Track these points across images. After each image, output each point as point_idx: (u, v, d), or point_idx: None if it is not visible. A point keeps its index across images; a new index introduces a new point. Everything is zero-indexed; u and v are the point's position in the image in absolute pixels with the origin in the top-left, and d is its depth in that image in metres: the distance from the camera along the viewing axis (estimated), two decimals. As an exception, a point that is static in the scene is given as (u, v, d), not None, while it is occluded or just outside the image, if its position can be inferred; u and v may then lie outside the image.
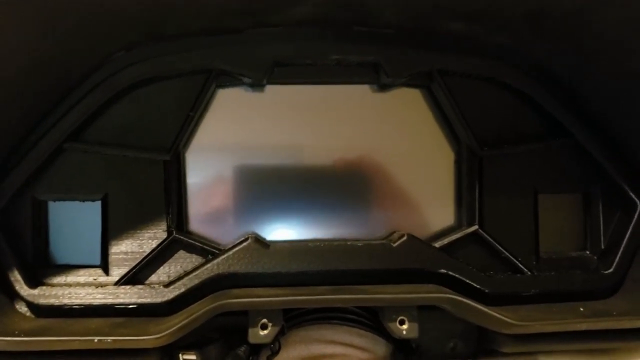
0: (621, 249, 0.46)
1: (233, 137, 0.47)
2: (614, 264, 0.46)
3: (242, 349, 0.43)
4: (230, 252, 0.43)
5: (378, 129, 0.48)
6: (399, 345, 0.46)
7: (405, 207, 0.48)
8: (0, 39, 0.32)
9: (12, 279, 0.42)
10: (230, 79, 0.45)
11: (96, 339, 0.38)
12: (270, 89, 0.47)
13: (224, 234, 0.46)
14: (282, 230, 0.47)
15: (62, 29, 0.36)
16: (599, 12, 0.37)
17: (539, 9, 0.39)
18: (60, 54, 0.38)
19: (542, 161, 0.47)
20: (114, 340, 0.38)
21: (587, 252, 0.47)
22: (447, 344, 0.47)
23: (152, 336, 0.38)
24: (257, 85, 0.46)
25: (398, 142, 0.48)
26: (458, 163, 0.48)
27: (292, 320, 0.45)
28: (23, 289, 0.42)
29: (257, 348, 0.44)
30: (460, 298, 0.41)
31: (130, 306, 0.43)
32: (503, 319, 0.41)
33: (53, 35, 0.36)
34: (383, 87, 0.47)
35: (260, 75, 0.44)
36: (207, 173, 0.47)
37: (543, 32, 0.41)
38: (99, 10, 0.35)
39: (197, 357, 0.42)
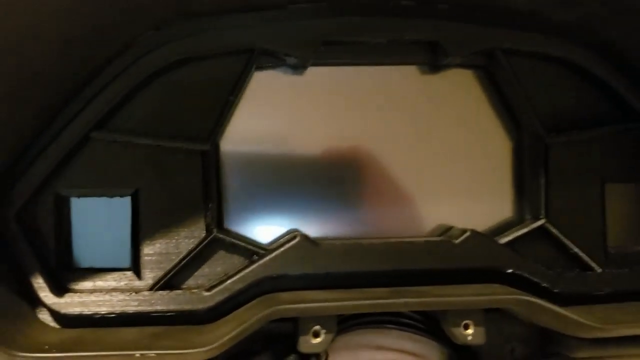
0: None
1: (272, 124, 0.44)
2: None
3: (291, 358, 0.39)
4: (279, 252, 0.40)
5: (428, 114, 0.45)
6: (457, 351, 0.43)
7: (458, 199, 0.45)
8: (17, 18, 0.27)
9: (36, 285, 0.38)
10: (272, 60, 0.41)
11: (137, 353, 0.34)
12: (312, 70, 0.43)
13: (266, 231, 0.42)
14: (327, 227, 0.43)
15: (86, 5, 0.32)
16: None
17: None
18: (84, 34, 0.33)
19: (611, 148, 0.44)
20: (157, 354, 0.34)
21: None
22: (506, 347, 0.44)
23: (201, 349, 0.34)
24: (301, 66, 0.41)
25: (450, 128, 0.45)
26: (518, 150, 0.44)
27: (344, 324, 0.41)
28: (47, 297, 0.38)
29: (305, 357, 0.40)
30: (534, 299, 0.38)
31: (169, 314, 0.39)
32: (582, 321, 0.37)
33: (77, 13, 0.31)
34: (434, 68, 0.43)
35: (307, 54, 0.40)
36: (245, 165, 0.43)
37: (618, 8, 0.38)
38: None
39: (245, 368, 0.38)
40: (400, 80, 0.44)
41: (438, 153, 0.45)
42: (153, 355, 0.34)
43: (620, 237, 0.45)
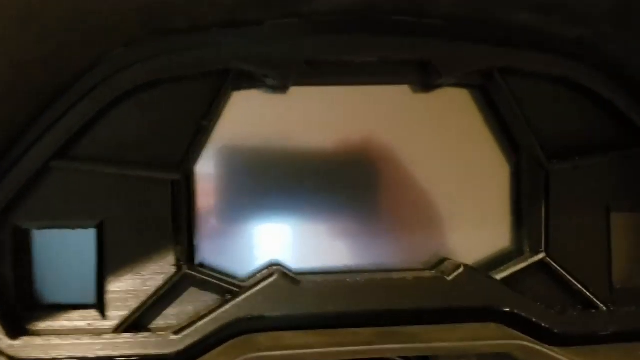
0: None
1: (250, 147, 0.41)
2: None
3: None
4: (254, 290, 0.37)
5: (419, 136, 0.42)
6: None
7: (453, 227, 0.42)
8: None
9: None
10: (250, 81, 0.38)
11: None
12: (295, 90, 0.40)
13: (242, 264, 0.40)
14: (312, 257, 0.41)
15: (50, 21, 0.29)
16: None
17: (629, 1, 0.32)
18: (46, 52, 0.30)
19: (617, 174, 0.41)
20: None
21: None
22: None
23: None
24: (282, 87, 0.38)
25: (442, 152, 0.42)
26: (517, 176, 0.42)
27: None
28: (2, 341, 0.35)
29: None
30: (533, 345, 0.35)
31: (133, 358, 0.36)
32: None
33: (38, 29, 0.28)
34: (427, 87, 0.40)
35: (288, 75, 0.37)
36: (223, 191, 0.40)
37: (628, 28, 0.35)
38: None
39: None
40: (391, 100, 0.42)
41: (431, 178, 0.42)
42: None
43: (627, 271, 0.42)
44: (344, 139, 0.42)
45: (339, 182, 0.42)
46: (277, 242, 0.41)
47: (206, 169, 0.40)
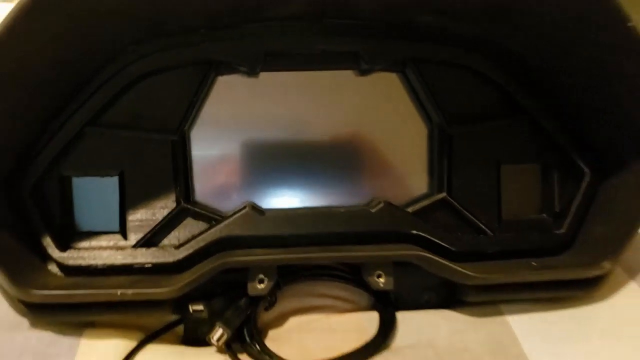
0: (571, 212, 0.52)
1: (233, 118, 0.53)
2: (565, 225, 0.52)
3: (243, 301, 0.50)
4: (231, 219, 0.50)
5: (361, 108, 0.54)
6: (378, 297, 0.53)
7: (386, 178, 0.54)
8: (35, 38, 0.39)
9: (45, 243, 0.49)
10: (228, 68, 0.52)
11: (119, 291, 0.45)
12: (264, 75, 0.52)
13: (226, 203, 0.53)
14: (277, 200, 0.53)
15: (85, 28, 0.43)
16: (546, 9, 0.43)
17: (497, 6, 0.45)
18: (79, 54, 0.44)
19: (504, 136, 0.53)
20: (133, 292, 0.45)
21: (544, 215, 0.54)
22: (423, 296, 0.53)
23: (165, 289, 0.45)
24: (253, 73, 0.52)
25: (378, 121, 0.54)
26: (430, 139, 0.54)
27: (286, 276, 0.52)
28: (54, 252, 0.49)
29: (255, 300, 0.51)
30: (428, 255, 0.48)
31: (146, 265, 0.49)
32: (465, 272, 0.47)
33: (77, 33, 0.42)
34: (363, 72, 0.53)
35: (254, 64, 0.50)
36: (211, 150, 0.53)
37: (519, 25, 0.48)
38: (115, 10, 0.42)
39: (204, 307, 0.49)
40: (338, 81, 0.53)
41: (373, 140, 0.54)
42: (130, 293, 0.46)
43: (514, 208, 0.54)
44: (302, 108, 0.54)
45: (300, 143, 0.54)
46: (251, 187, 0.53)
47: (200, 134, 0.53)
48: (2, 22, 0.36)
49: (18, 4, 0.36)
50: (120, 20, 0.43)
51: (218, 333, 0.47)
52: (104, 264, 0.49)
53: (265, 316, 0.52)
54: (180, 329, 0.52)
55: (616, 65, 0.44)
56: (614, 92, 0.46)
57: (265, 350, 0.48)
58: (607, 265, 0.48)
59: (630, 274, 0.54)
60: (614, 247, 0.49)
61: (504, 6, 0.44)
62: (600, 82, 0.46)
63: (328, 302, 0.54)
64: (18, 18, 0.36)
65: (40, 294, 0.45)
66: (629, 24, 0.40)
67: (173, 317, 0.51)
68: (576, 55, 0.46)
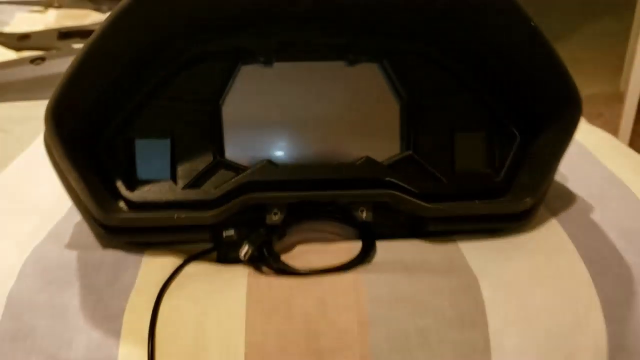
0: (507, 165, 0.69)
1: (254, 97, 0.68)
2: (502, 175, 0.69)
3: (262, 229, 0.67)
4: (253, 169, 0.65)
5: (351, 89, 0.69)
6: (363, 230, 0.70)
7: (370, 141, 0.70)
8: (127, 29, 0.56)
9: (117, 185, 0.65)
10: (251, 58, 0.67)
11: (175, 215, 0.62)
12: (278, 65, 0.68)
13: (249, 160, 0.68)
14: (287, 155, 0.68)
15: (157, 24, 0.60)
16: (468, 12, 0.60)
17: (447, 14, 0.63)
18: (152, 39, 0.62)
19: (456, 108, 0.69)
20: (185, 216, 0.62)
21: (488, 169, 0.69)
22: (396, 229, 0.68)
23: (208, 214, 0.63)
24: (268, 62, 0.69)
25: (365, 98, 0.69)
26: (401, 112, 0.69)
27: (294, 214, 0.68)
28: (124, 191, 0.65)
29: (271, 229, 0.67)
30: (398, 194, 0.65)
31: (192, 200, 0.65)
32: (425, 205, 0.63)
33: (151, 28, 0.60)
34: (351, 63, 0.70)
35: (269, 54, 0.67)
36: (241, 119, 0.68)
37: (449, 25, 0.65)
38: (181, 14, 0.59)
39: (234, 232, 0.66)
40: (334, 69, 0.69)
41: (360, 114, 0.69)
42: (183, 217, 0.62)
43: (464, 163, 0.68)
44: (306, 92, 0.69)
45: (305, 116, 0.68)
46: (268, 147, 0.69)
47: (229, 107, 0.67)
48: (109, 16, 0.54)
49: (119, 5, 0.54)
50: (181, 21, 0.61)
51: (245, 249, 0.64)
52: (160, 200, 0.63)
53: (279, 245, 0.64)
54: (214, 255, 0.65)
55: (528, 54, 0.61)
56: (529, 73, 0.64)
57: (279, 261, 0.65)
58: (529, 201, 0.65)
59: (553, 213, 0.71)
60: (534, 188, 0.66)
61: (451, 15, 0.62)
62: (520, 66, 0.64)
63: (325, 234, 0.65)
64: (120, 13, 0.54)
65: (119, 218, 0.63)
66: (532, 24, 0.58)
67: (209, 245, 0.65)
68: (502, 47, 0.64)
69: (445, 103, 0.67)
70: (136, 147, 0.65)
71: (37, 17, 1.51)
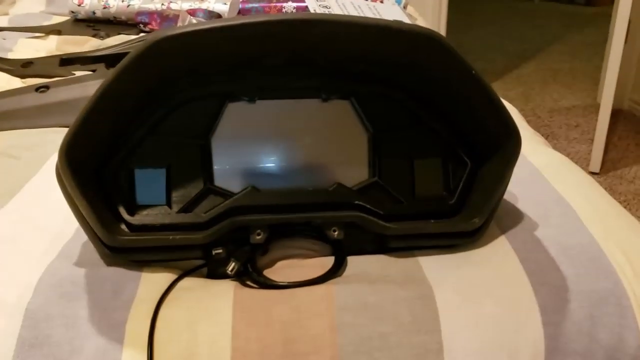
0: (459, 188, 0.78)
1: (240, 130, 0.76)
2: (455, 197, 0.79)
3: (247, 247, 0.76)
4: (239, 195, 0.73)
5: (326, 122, 0.77)
6: (335, 247, 0.77)
7: (342, 168, 0.77)
8: (136, 74, 0.65)
9: (120, 210, 0.75)
10: (236, 97, 0.78)
11: (170, 236, 0.72)
12: (260, 102, 0.77)
13: (235, 186, 0.75)
14: (269, 181, 0.76)
15: (160, 72, 0.70)
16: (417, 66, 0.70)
17: (402, 66, 0.73)
18: (154, 83, 0.72)
19: (414, 140, 0.77)
20: (180, 238, 0.72)
21: (443, 192, 0.78)
22: (364, 246, 0.75)
23: (199, 236, 0.72)
24: (251, 100, 0.79)
25: (338, 131, 0.77)
26: (368, 142, 0.77)
27: (275, 233, 0.77)
28: (125, 216, 0.75)
29: (255, 247, 0.75)
30: (364, 215, 0.75)
31: (185, 224, 0.73)
32: (386, 225, 0.73)
33: (155, 75, 0.70)
34: (324, 100, 0.80)
35: (253, 95, 0.78)
36: (227, 150, 0.75)
37: (406, 73, 0.75)
38: (181, 67, 0.69)
39: (222, 250, 0.75)
40: (309, 106, 0.78)
41: (334, 143, 0.81)
42: (178, 238, 0.72)
43: (422, 187, 0.76)
44: (286, 125, 0.81)
45: (285, 146, 0.79)
46: (251, 174, 0.81)
47: (218, 140, 0.76)
48: (122, 62, 0.63)
49: (131, 53, 0.63)
50: (178, 70, 0.71)
51: (232, 265, 0.73)
52: (156, 223, 0.69)
53: (261, 260, 0.70)
54: (204, 271, 0.70)
55: (471, 97, 0.72)
56: (474, 112, 0.74)
57: (262, 276, 0.75)
58: (477, 221, 0.75)
59: (502, 230, 0.81)
60: (481, 208, 0.76)
61: (403, 66, 0.72)
62: (465, 106, 0.74)
63: (302, 251, 0.71)
64: (125, 68, 0.64)
65: (121, 239, 0.72)
66: (473, 72, 0.68)
67: (201, 262, 0.71)
68: (449, 91, 0.74)
69: (404, 135, 0.74)
70: (135, 175, 0.70)
71: (39, 42, 1.59)
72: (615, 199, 2.59)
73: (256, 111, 0.74)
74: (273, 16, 0.64)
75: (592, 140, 2.79)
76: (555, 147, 1.04)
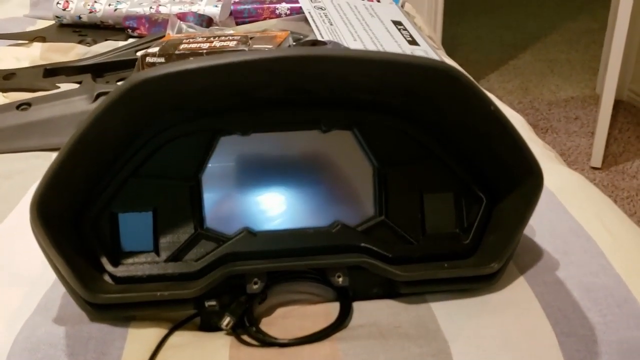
0: (474, 227, 0.73)
1: (232, 166, 0.71)
2: (470, 237, 0.73)
3: (243, 297, 0.70)
4: (233, 240, 0.68)
5: (326, 155, 0.72)
6: (340, 292, 0.73)
7: (345, 205, 0.73)
8: (113, 117, 0.58)
9: (102, 261, 0.69)
10: (228, 132, 0.72)
11: (158, 293, 0.65)
12: (254, 135, 0.72)
13: (229, 228, 0.70)
14: (266, 223, 0.71)
15: (141, 112, 0.63)
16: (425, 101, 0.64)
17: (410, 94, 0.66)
18: (134, 124, 0.65)
19: (424, 174, 0.71)
20: (168, 293, 0.65)
21: (457, 230, 0.73)
22: (372, 290, 0.71)
23: (189, 290, 0.66)
24: (245, 134, 0.72)
25: (340, 164, 0.72)
26: (373, 177, 0.72)
27: (274, 279, 0.72)
28: (108, 267, 0.67)
29: (252, 297, 0.70)
30: (371, 260, 0.68)
31: (175, 274, 0.68)
32: (395, 272, 0.67)
33: (135, 115, 0.63)
34: (325, 131, 0.74)
35: (246, 129, 0.71)
36: (216, 190, 0.72)
37: (414, 103, 0.68)
38: (165, 105, 0.62)
39: (215, 303, 0.68)
40: (308, 136, 0.73)
41: (336, 178, 0.74)
42: (166, 294, 0.66)
43: (433, 225, 0.71)
44: (282, 156, 0.74)
45: (280, 180, 0.72)
46: (246, 216, 0.75)
47: (208, 179, 0.70)
48: (98, 108, 0.56)
49: (108, 97, 0.56)
50: (162, 108, 0.64)
51: (226, 320, 0.67)
52: (143, 274, 0.65)
53: (259, 308, 0.66)
54: (197, 320, 0.66)
55: (489, 132, 0.65)
56: (491, 147, 0.67)
57: (260, 331, 0.68)
58: (495, 265, 0.69)
59: (520, 270, 0.75)
60: (500, 252, 0.69)
61: (414, 95, 0.66)
62: (482, 141, 0.67)
63: (303, 296, 0.67)
64: (110, 104, 0.56)
65: (104, 297, 0.65)
66: (492, 107, 0.61)
67: (192, 312, 0.67)
68: (464, 124, 0.67)
69: (412, 168, 0.69)
70: (119, 220, 0.66)
71: (22, 50, 1.52)
72: (618, 195, 2.54)
73: (250, 145, 0.69)
74: (268, 53, 0.57)
75: (592, 133, 2.73)
76: (555, 142, 0.97)
